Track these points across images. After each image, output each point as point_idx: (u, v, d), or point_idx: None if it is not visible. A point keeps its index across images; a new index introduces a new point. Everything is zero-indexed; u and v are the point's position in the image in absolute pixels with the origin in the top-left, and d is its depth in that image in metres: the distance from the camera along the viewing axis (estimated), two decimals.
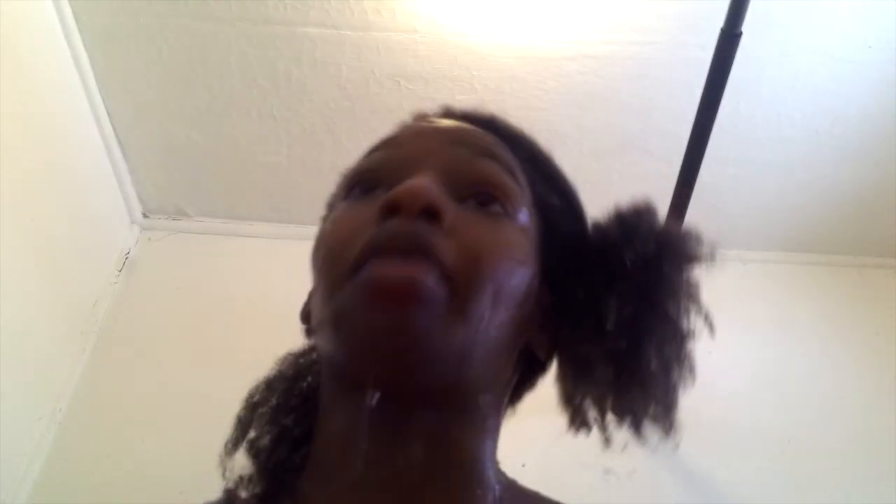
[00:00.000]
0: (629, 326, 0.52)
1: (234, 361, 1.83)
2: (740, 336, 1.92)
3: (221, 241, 2.07)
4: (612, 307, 0.52)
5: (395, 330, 0.43)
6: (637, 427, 0.54)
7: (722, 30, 1.19)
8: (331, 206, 0.56)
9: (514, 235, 0.49)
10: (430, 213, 0.45)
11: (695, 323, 0.55)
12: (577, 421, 0.55)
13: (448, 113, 0.59)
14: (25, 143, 1.62)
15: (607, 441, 0.55)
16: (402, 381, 0.45)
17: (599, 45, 1.76)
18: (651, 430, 0.54)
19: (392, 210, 0.45)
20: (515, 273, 0.48)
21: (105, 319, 1.88)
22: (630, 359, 0.52)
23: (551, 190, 0.56)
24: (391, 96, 1.83)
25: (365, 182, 0.52)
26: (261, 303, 1.85)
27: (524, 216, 0.51)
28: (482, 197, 0.50)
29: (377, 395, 0.45)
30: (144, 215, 2.11)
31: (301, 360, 0.63)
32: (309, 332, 0.55)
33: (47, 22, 1.70)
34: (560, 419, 0.56)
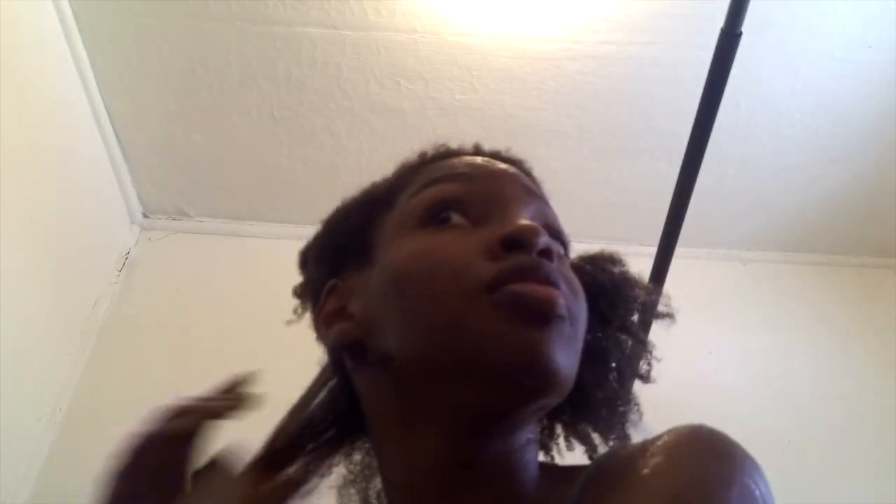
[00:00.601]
0: (621, 365, 0.59)
1: (234, 361, 1.83)
2: (740, 336, 1.93)
3: (221, 241, 2.07)
4: (612, 348, 0.59)
5: (543, 345, 0.45)
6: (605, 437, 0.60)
7: (722, 30, 1.19)
8: (399, 231, 0.55)
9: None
10: (547, 253, 0.48)
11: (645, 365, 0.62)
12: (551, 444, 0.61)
13: (497, 154, 0.60)
14: (25, 143, 1.62)
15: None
16: (530, 403, 0.47)
17: (599, 45, 1.76)
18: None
19: (516, 244, 0.48)
20: (585, 307, 0.52)
21: (105, 319, 1.88)
22: (618, 394, 0.59)
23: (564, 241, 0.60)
24: (391, 96, 1.83)
25: (443, 210, 0.53)
26: (261, 303, 1.85)
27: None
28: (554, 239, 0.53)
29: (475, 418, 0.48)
30: (144, 215, 2.11)
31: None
32: (353, 353, 0.55)
33: (47, 22, 1.70)
34: None
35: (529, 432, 0.51)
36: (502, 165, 0.58)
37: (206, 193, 2.09)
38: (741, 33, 1.18)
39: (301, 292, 0.66)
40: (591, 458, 0.58)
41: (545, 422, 0.60)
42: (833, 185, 2.02)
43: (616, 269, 0.61)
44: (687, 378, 1.81)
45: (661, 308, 0.61)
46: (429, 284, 0.48)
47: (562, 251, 0.55)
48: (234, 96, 1.87)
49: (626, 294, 0.60)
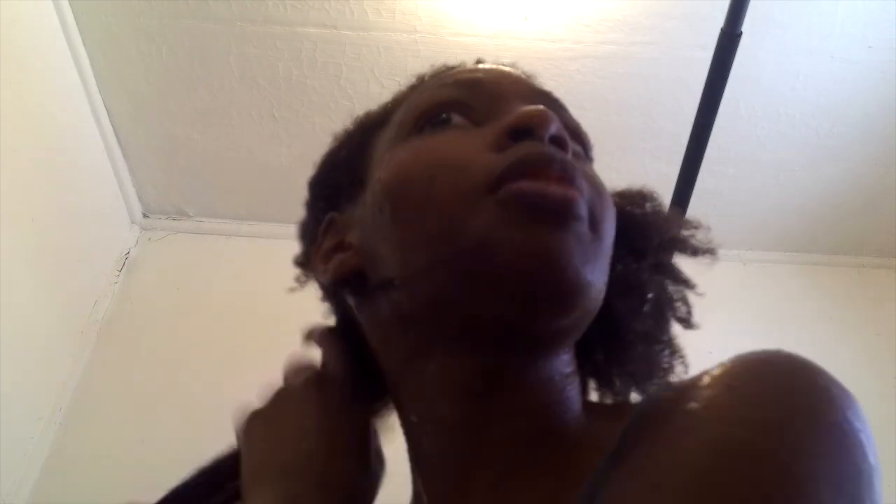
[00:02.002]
0: (659, 301, 0.52)
1: (233, 361, 1.83)
2: (740, 336, 1.92)
3: (221, 241, 2.07)
4: (647, 280, 0.51)
5: (557, 250, 0.39)
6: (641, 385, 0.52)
7: (722, 30, 1.19)
8: (393, 141, 0.49)
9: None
10: (559, 142, 0.43)
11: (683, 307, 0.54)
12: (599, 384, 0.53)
13: (508, 65, 0.55)
14: (25, 143, 1.62)
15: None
16: (547, 316, 0.41)
17: (599, 45, 1.76)
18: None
19: (523, 132, 0.42)
20: (613, 215, 0.46)
21: (105, 319, 1.88)
22: (657, 333, 0.51)
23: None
24: (391, 96, 1.82)
25: (441, 112, 0.47)
26: (260, 303, 1.85)
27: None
28: (574, 144, 0.48)
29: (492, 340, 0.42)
30: (144, 215, 2.11)
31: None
32: (354, 286, 0.49)
33: (47, 22, 1.70)
34: None
35: (565, 364, 0.44)
36: (510, 71, 0.52)
37: (206, 193, 2.08)
38: (741, 33, 1.19)
39: (300, 259, 0.60)
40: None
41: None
42: (833, 185, 2.02)
43: (648, 204, 0.54)
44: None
45: (700, 243, 0.53)
46: (425, 188, 0.43)
47: (581, 150, 0.49)
48: (234, 96, 1.87)
49: (660, 228, 0.53)
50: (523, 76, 0.52)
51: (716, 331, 2.10)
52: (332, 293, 0.55)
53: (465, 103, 0.47)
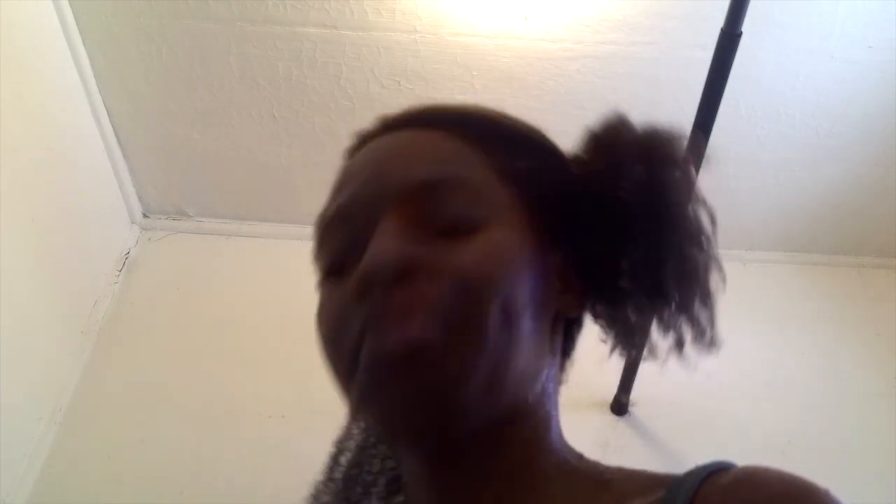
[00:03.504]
0: (646, 255, 0.50)
1: (233, 361, 1.83)
2: (740, 336, 1.93)
3: (221, 241, 2.07)
4: (624, 242, 0.50)
5: (419, 396, 0.43)
6: (680, 343, 0.53)
7: (722, 30, 1.19)
8: (318, 285, 0.53)
9: (496, 239, 0.47)
10: (402, 275, 0.44)
11: (703, 221, 0.52)
12: (626, 342, 0.54)
13: (386, 125, 0.55)
14: (25, 143, 1.62)
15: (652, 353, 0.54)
16: (447, 435, 0.46)
17: (599, 45, 1.76)
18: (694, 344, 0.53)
19: (365, 291, 0.44)
20: (513, 276, 0.46)
21: (105, 319, 1.88)
22: (657, 283, 0.50)
23: (517, 154, 0.52)
24: (391, 96, 1.83)
25: (330, 261, 0.50)
26: (261, 303, 1.85)
27: (497, 210, 0.48)
28: (450, 222, 0.47)
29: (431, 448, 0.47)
30: (144, 215, 2.11)
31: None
32: None
33: (47, 22, 1.70)
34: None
35: (526, 418, 0.49)
36: (375, 155, 0.51)
37: (206, 193, 2.09)
38: (741, 33, 1.18)
39: None
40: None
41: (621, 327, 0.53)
42: (833, 185, 2.02)
43: (615, 139, 0.53)
44: (687, 378, 1.81)
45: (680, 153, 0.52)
46: (325, 352, 0.49)
47: (467, 220, 0.47)
48: (234, 96, 1.87)
49: (632, 167, 0.51)
50: (392, 171, 0.49)
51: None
52: None
53: (344, 248, 0.49)
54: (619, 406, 1.77)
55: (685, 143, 0.53)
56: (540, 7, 1.70)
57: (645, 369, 1.65)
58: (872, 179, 2.00)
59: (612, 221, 0.50)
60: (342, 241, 0.49)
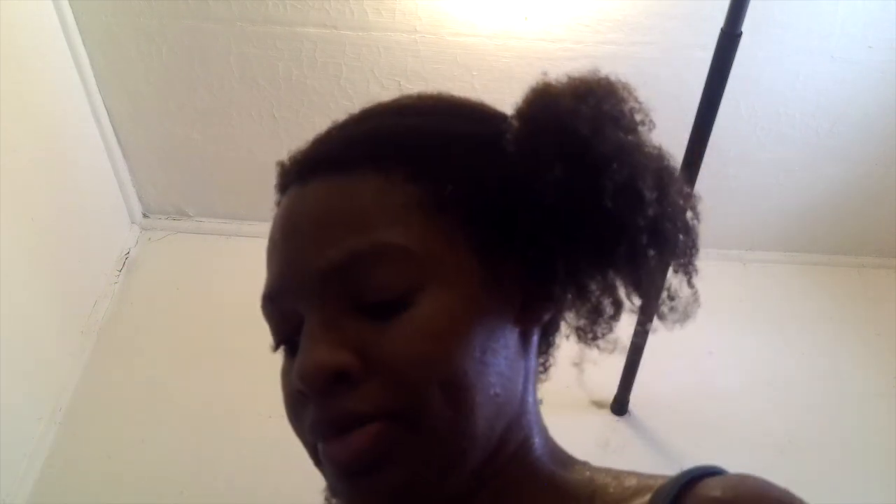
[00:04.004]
0: (598, 242, 0.46)
1: (233, 361, 1.83)
2: (740, 336, 1.93)
3: (221, 241, 2.07)
4: (573, 230, 0.46)
5: (388, 490, 0.43)
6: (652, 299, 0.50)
7: (722, 30, 1.19)
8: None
9: (430, 308, 0.43)
10: (335, 381, 0.43)
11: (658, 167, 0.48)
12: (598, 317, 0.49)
13: (300, 171, 0.49)
14: (26, 143, 1.62)
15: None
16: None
17: (599, 45, 1.76)
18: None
19: (304, 400, 0.46)
20: (452, 348, 0.43)
21: (105, 319, 1.88)
22: (625, 264, 0.47)
23: (445, 175, 0.46)
24: (391, 96, 1.82)
25: (277, 338, 0.51)
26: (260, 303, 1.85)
27: (428, 265, 0.44)
28: (377, 299, 0.44)
29: None
30: (144, 215, 2.11)
31: None
32: None
33: (47, 22, 1.70)
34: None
35: (503, 454, 0.48)
36: (287, 242, 0.47)
37: (206, 193, 2.09)
38: (741, 33, 1.18)
39: None
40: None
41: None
42: (833, 185, 2.02)
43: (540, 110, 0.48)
44: (687, 378, 1.81)
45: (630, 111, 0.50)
46: (290, 421, 0.49)
47: (389, 294, 0.43)
48: (233, 96, 1.87)
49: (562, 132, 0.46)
50: (307, 255, 0.46)
51: (716, 331, 2.11)
52: None
53: (286, 330, 0.49)
54: (619, 406, 1.77)
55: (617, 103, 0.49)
56: (540, 7, 1.70)
57: (645, 369, 1.65)
58: (872, 179, 2.00)
59: (552, 209, 0.45)
60: (281, 323, 0.49)
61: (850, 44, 1.76)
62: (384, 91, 1.82)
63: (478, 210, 0.46)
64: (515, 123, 0.48)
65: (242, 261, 2.08)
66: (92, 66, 1.83)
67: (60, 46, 1.74)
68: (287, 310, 0.47)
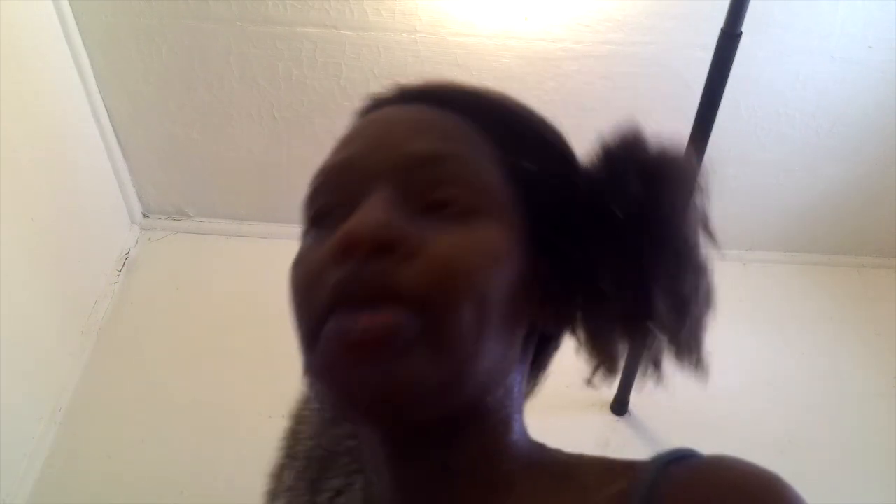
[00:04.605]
0: (632, 279, 0.48)
1: (233, 361, 1.83)
2: (740, 336, 1.93)
3: (221, 241, 2.07)
4: (610, 264, 0.49)
5: (378, 383, 0.42)
6: (659, 364, 0.51)
7: (722, 30, 1.19)
8: (302, 234, 0.52)
9: (484, 233, 0.46)
10: (384, 248, 0.43)
11: (705, 248, 0.50)
12: (606, 366, 0.52)
13: (402, 94, 0.54)
14: (26, 143, 1.62)
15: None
16: (402, 424, 0.46)
17: (599, 45, 1.76)
18: (680, 367, 0.51)
19: (344, 255, 0.43)
20: (494, 275, 0.45)
21: (105, 319, 1.88)
22: (643, 310, 0.49)
23: (526, 154, 0.51)
24: None
25: (319, 210, 0.50)
26: (260, 303, 1.85)
27: (493, 204, 0.47)
28: (443, 201, 0.46)
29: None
30: (144, 215, 2.11)
31: None
32: None
33: (47, 22, 1.70)
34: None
35: (486, 418, 0.48)
36: (392, 121, 0.51)
37: (206, 193, 2.08)
38: (741, 33, 1.18)
39: None
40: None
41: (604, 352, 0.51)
42: (833, 185, 2.02)
43: (619, 154, 0.50)
44: (686, 378, 1.81)
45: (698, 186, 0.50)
46: (293, 316, 0.47)
47: (457, 206, 0.46)
48: (234, 96, 1.87)
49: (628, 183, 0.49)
50: (396, 127, 0.50)
51: (716, 331, 2.10)
52: None
53: (328, 198, 0.49)
54: (619, 406, 1.77)
55: (696, 168, 0.51)
56: (540, 7, 1.70)
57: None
58: (872, 179, 2.00)
59: (605, 235, 0.49)
60: (334, 195, 0.49)
61: (850, 44, 1.76)
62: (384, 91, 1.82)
63: (542, 197, 0.49)
64: (602, 147, 0.52)
65: (242, 261, 2.10)
66: (92, 66, 1.83)
67: (60, 46, 1.74)
68: (351, 180, 0.48)
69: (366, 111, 0.55)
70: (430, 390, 0.43)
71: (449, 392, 0.44)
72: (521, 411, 0.52)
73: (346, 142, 0.52)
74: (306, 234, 0.50)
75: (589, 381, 0.52)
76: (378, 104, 0.54)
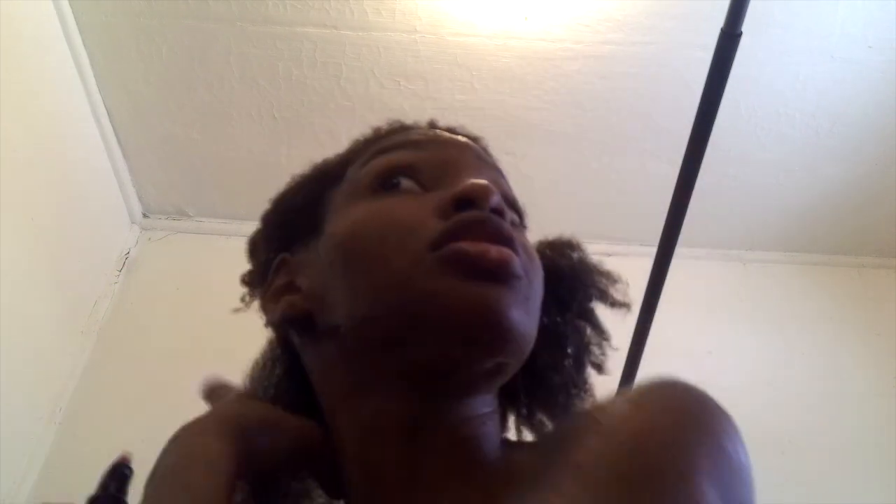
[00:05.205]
0: (579, 351, 0.57)
1: (233, 361, 1.83)
2: (740, 336, 1.93)
3: (221, 241, 2.07)
4: (570, 333, 0.57)
5: (499, 303, 0.44)
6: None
7: (722, 30, 1.19)
8: (349, 199, 0.53)
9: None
10: (499, 213, 0.47)
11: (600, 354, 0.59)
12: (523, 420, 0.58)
13: (451, 129, 0.59)
14: (26, 143, 1.62)
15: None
16: (482, 357, 0.45)
17: (599, 45, 1.76)
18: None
19: (467, 203, 0.46)
20: (542, 276, 0.51)
21: (105, 319, 1.88)
22: (577, 379, 0.57)
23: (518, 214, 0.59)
24: (391, 96, 1.83)
25: (394, 176, 0.52)
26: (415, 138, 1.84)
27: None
28: (511, 206, 0.53)
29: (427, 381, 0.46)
30: (144, 215, 2.11)
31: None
32: (303, 327, 0.53)
33: (47, 22, 1.70)
34: None
35: (487, 404, 0.49)
36: (455, 137, 0.57)
37: (206, 193, 2.09)
38: (741, 33, 1.18)
39: (249, 279, 0.66)
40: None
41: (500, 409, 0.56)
42: (833, 185, 2.02)
43: (575, 255, 0.59)
44: (687, 378, 1.81)
45: (618, 296, 0.59)
46: (376, 246, 0.47)
47: (517, 219, 0.54)
48: (234, 96, 1.87)
49: (586, 279, 0.58)
50: (472, 145, 0.57)
51: (716, 331, 2.11)
52: (277, 328, 0.58)
53: (415, 169, 0.52)
54: None
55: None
56: (540, 7, 1.70)
57: (645, 369, 1.65)
58: (872, 179, 2.00)
59: (561, 314, 0.57)
60: (423, 164, 0.52)
61: (850, 44, 1.76)
62: (384, 91, 1.82)
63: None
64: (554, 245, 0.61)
65: (242, 261, 2.09)
66: (92, 66, 1.83)
67: (60, 46, 1.74)
68: (440, 160, 0.53)
69: (397, 129, 0.59)
70: (522, 332, 0.45)
71: (525, 343, 0.47)
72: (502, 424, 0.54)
73: (413, 139, 0.55)
74: (366, 195, 0.52)
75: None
76: (432, 126, 0.60)
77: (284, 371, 0.58)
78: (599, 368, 0.58)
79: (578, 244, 0.60)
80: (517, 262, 0.45)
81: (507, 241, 0.46)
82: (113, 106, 1.91)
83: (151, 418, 1.70)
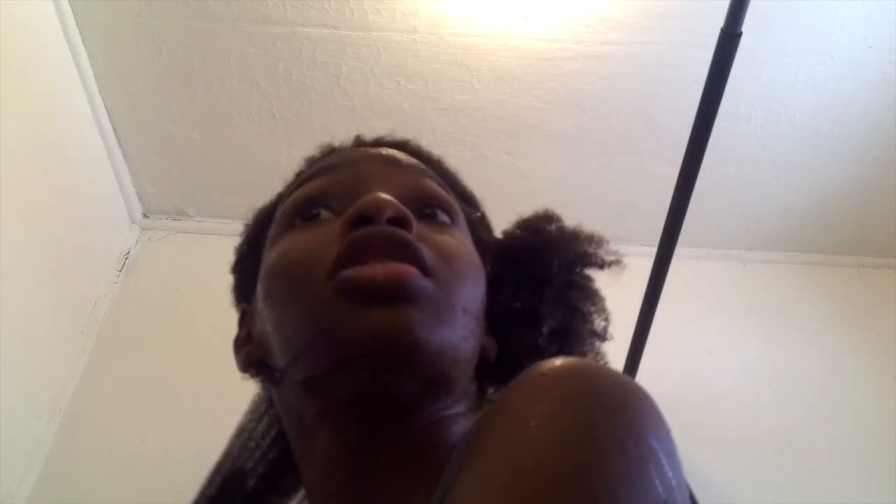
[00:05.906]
0: (560, 330, 0.55)
1: (233, 362, 1.83)
2: (740, 336, 1.93)
3: (221, 241, 2.05)
4: (546, 313, 0.55)
5: (395, 327, 0.43)
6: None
7: (722, 30, 1.19)
8: (273, 239, 0.54)
9: (465, 241, 0.52)
10: (399, 221, 0.46)
11: (600, 321, 0.57)
12: None
13: (366, 142, 0.60)
14: (25, 143, 1.62)
15: None
16: (400, 382, 0.45)
17: (599, 45, 1.76)
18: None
19: (362, 220, 0.45)
20: (476, 274, 0.50)
21: (105, 319, 1.88)
22: (568, 349, 0.56)
23: (468, 204, 0.59)
24: (391, 96, 1.83)
25: (310, 208, 0.52)
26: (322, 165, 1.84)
27: (463, 225, 0.54)
28: (429, 210, 0.52)
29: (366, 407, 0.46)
30: (144, 215, 2.11)
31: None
32: (264, 374, 0.54)
33: (47, 22, 1.70)
34: None
35: (454, 406, 0.48)
36: (367, 150, 0.57)
37: (206, 193, 2.09)
38: (741, 33, 1.18)
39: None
40: None
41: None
42: (833, 185, 2.02)
43: (552, 227, 0.58)
44: (687, 378, 1.81)
45: (606, 256, 0.57)
46: (286, 284, 0.47)
47: (446, 218, 0.53)
48: (234, 96, 1.87)
49: (565, 248, 0.57)
50: (384, 154, 0.56)
51: (716, 331, 2.11)
52: (255, 380, 0.59)
53: (329, 195, 0.52)
54: None
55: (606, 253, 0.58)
56: (540, 7, 1.70)
57: (645, 369, 1.65)
58: (872, 179, 2.00)
59: (537, 292, 0.56)
60: (330, 189, 0.52)
61: (850, 44, 1.76)
62: (384, 91, 1.82)
63: (482, 248, 0.56)
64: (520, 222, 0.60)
65: None
66: (92, 66, 1.83)
67: (60, 46, 1.74)
68: (343, 185, 0.52)
69: (329, 151, 0.61)
70: (438, 346, 0.44)
71: (443, 357, 0.45)
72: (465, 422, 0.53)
73: (325, 165, 0.56)
74: (284, 232, 0.52)
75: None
76: (347, 146, 0.61)
77: (268, 426, 0.63)
78: (600, 336, 0.56)
79: (554, 215, 0.59)
80: (413, 275, 0.44)
81: (404, 254, 0.44)
82: (113, 106, 1.91)
83: (151, 418, 1.71)
